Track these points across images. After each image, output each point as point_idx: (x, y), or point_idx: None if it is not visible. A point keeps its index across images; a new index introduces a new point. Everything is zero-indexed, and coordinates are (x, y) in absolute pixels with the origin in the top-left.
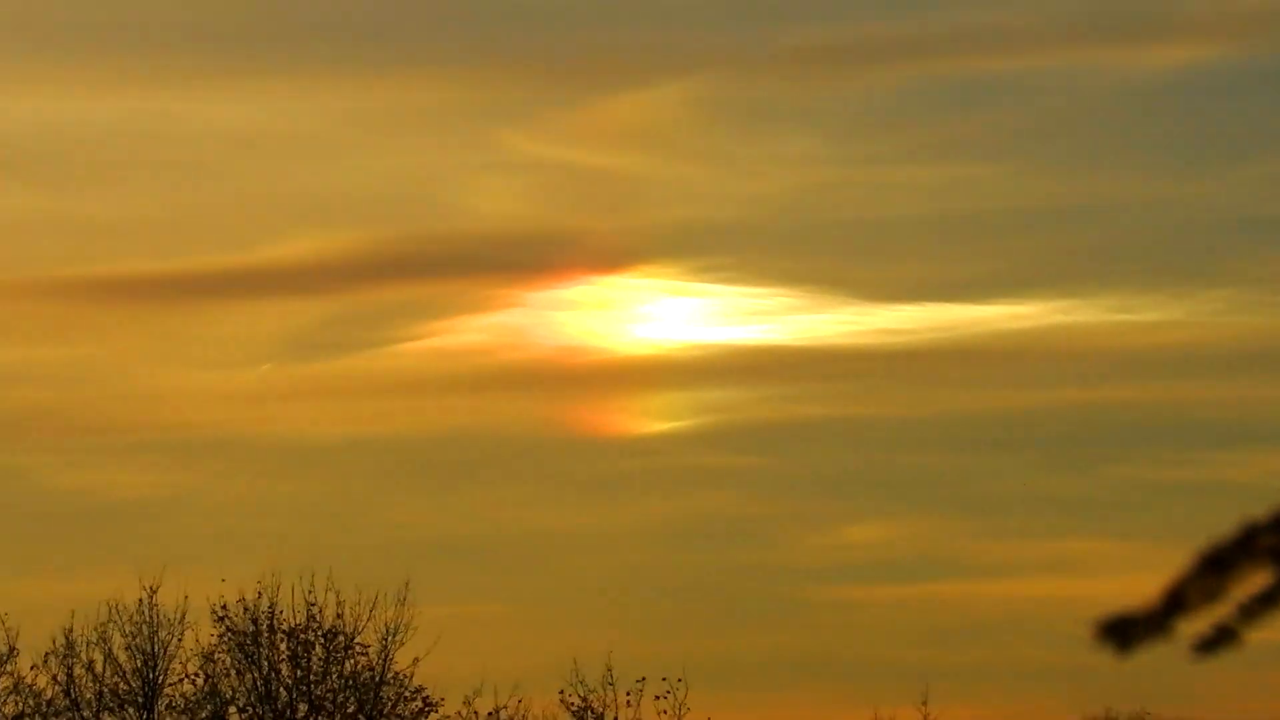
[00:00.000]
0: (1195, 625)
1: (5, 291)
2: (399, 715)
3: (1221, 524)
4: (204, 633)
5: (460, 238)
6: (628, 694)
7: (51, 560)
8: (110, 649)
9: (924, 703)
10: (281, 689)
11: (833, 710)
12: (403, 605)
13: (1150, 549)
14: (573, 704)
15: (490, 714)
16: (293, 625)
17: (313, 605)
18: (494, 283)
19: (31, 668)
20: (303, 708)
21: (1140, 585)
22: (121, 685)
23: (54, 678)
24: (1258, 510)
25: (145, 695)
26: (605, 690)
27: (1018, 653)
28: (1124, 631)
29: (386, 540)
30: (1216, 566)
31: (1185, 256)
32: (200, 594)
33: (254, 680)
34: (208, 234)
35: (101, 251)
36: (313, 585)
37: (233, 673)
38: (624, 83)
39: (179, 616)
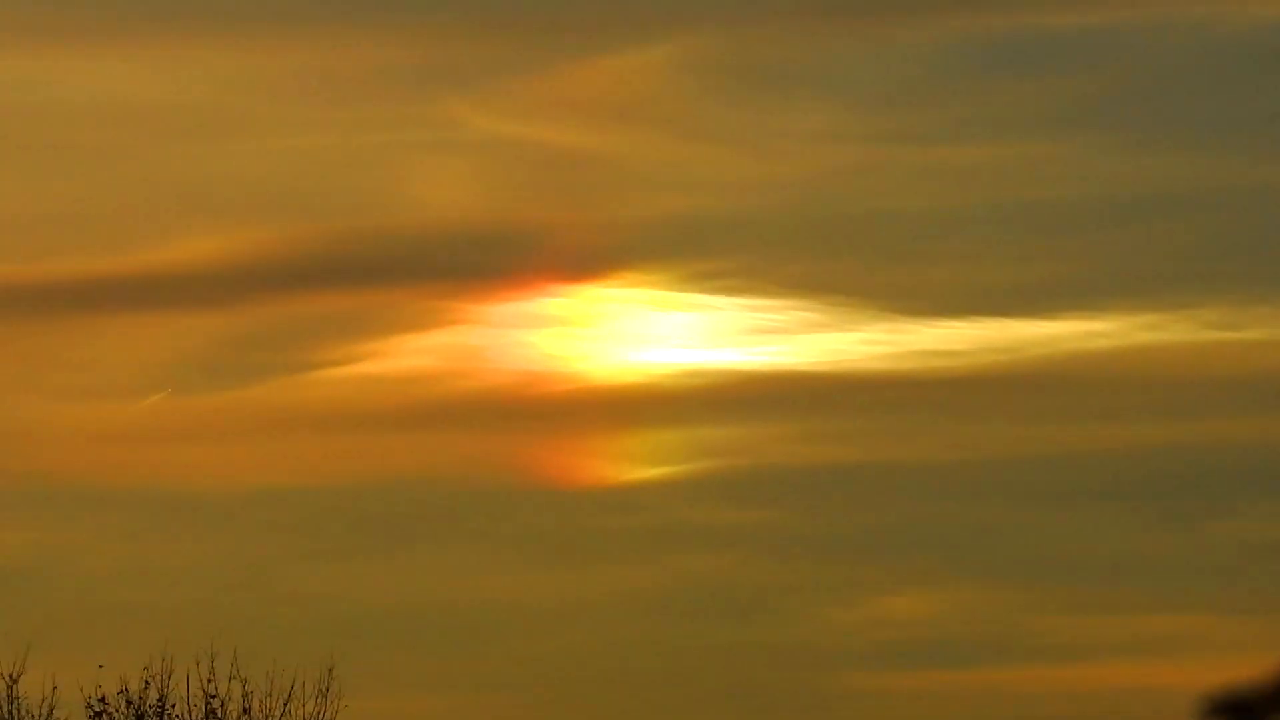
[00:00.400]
0: None
1: None
2: None
3: None
4: None
5: (397, 236)
6: None
7: None
8: None
9: None
10: None
11: None
12: (325, 698)
13: (1261, 624)
14: None
15: None
16: None
17: (213, 698)
18: (439, 293)
19: None
20: None
21: (1247, 670)
22: None
23: None
24: None
25: None
26: None
27: None
28: (1238, 715)
29: (305, 616)
30: None
31: None
32: (72, 682)
33: None
34: (78, 232)
35: None
36: (213, 672)
37: None
38: (601, 44)
39: (45, 711)
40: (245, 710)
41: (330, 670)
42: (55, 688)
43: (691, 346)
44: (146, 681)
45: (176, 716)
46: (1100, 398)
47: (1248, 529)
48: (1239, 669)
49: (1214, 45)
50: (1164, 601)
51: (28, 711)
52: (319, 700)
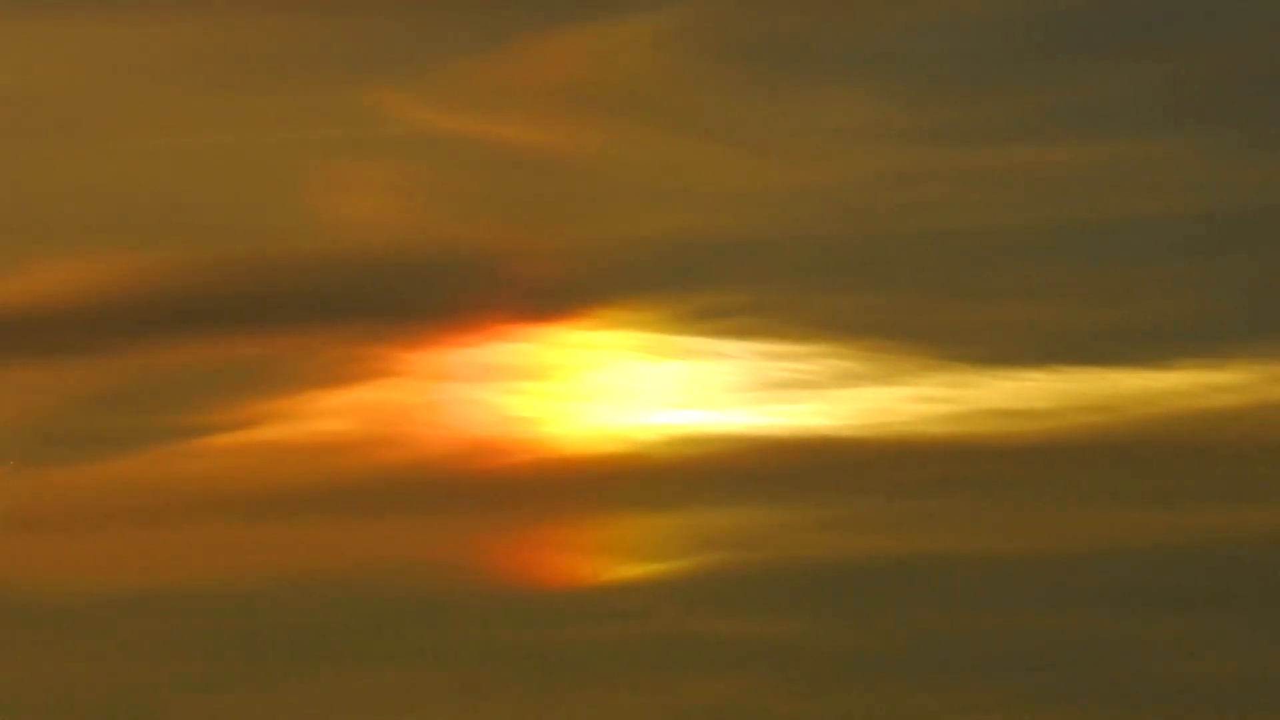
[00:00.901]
0: None
1: None
2: None
3: None
4: None
5: (307, 263)
6: None
7: None
8: None
9: None
10: None
11: None
12: None
13: None
14: None
15: None
16: None
17: None
18: (362, 337)
19: None
20: None
21: None
22: None
23: None
24: None
25: None
26: None
27: None
28: None
29: None
30: None
31: None
32: None
33: None
34: None
35: None
36: None
37: None
38: (571, 13)
39: None
40: None
41: None
42: None
43: (691, 406)
44: None
45: None
46: (1223, 471)
47: None
48: None
49: None
50: None
51: None
52: None
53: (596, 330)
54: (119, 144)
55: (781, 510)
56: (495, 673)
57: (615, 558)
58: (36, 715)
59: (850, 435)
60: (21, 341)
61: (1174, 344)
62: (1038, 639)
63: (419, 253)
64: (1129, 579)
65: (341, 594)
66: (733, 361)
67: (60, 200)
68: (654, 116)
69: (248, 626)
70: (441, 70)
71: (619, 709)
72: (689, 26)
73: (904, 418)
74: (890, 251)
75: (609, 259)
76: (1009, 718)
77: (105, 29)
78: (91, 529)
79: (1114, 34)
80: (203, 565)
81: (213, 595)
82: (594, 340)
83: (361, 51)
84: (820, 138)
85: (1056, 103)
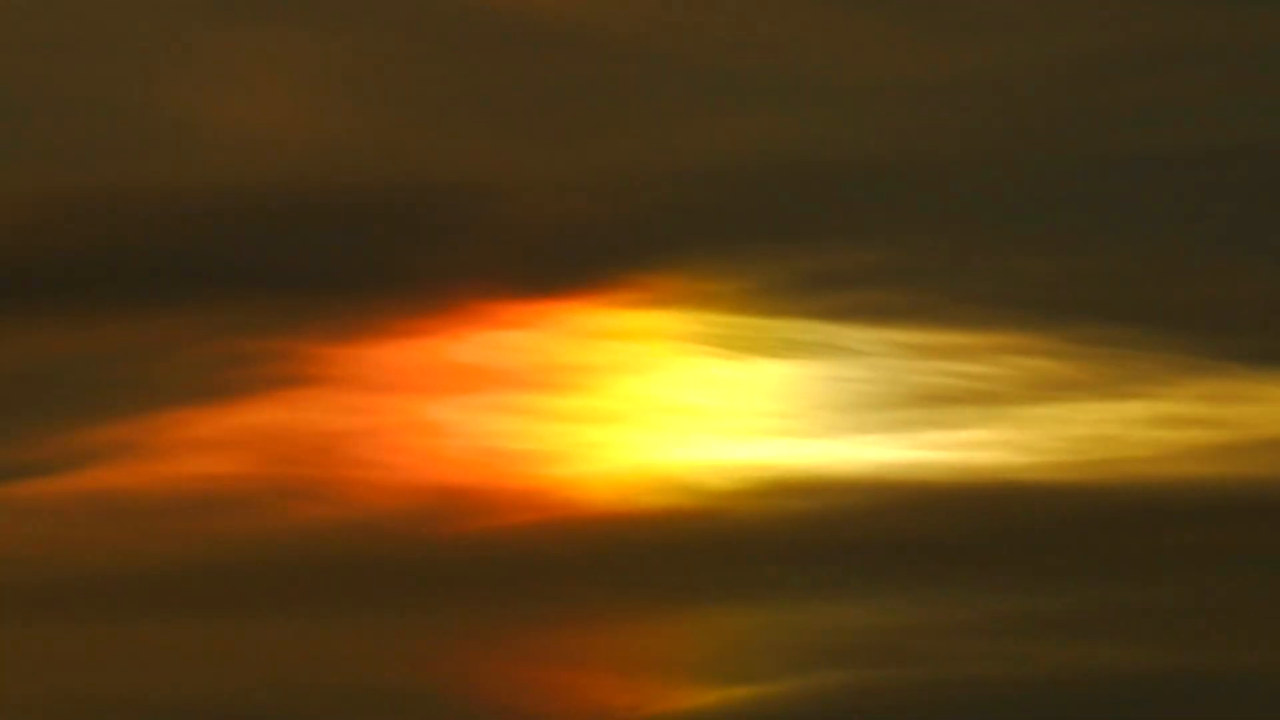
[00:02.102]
0: None
1: None
2: None
3: None
4: None
5: (175, 201)
6: None
7: None
8: None
9: None
10: None
11: None
12: None
13: None
14: None
15: None
16: None
17: None
18: (260, 321)
19: None
20: None
21: None
22: None
23: None
24: None
25: None
26: None
27: None
28: None
29: None
30: None
31: None
32: None
33: None
34: None
35: None
36: None
37: None
38: None
39: None
40: None
41: None
42: None
43: (793, 433)
44: None
45: None
46: None
47: None
48: None
49: None
50: None
51: None
52: None
53: (641, 310)
54: None
55: (940, 601)
56: None
57: (675, 677)
58: None
59: (1051, 480)
60: None
61: None
62: None
63: (360, 184)
64: None
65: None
66: (860, 361)
67: None
68: None
69: None
70: None
71: None
72: None
73: (1138, 450)
74: (1108, 182)
75: (660, 195)
76: None
77: None
78: None
79: None
80: (62, 658)
81: None
82: (637, 326)
83: None
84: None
85: None
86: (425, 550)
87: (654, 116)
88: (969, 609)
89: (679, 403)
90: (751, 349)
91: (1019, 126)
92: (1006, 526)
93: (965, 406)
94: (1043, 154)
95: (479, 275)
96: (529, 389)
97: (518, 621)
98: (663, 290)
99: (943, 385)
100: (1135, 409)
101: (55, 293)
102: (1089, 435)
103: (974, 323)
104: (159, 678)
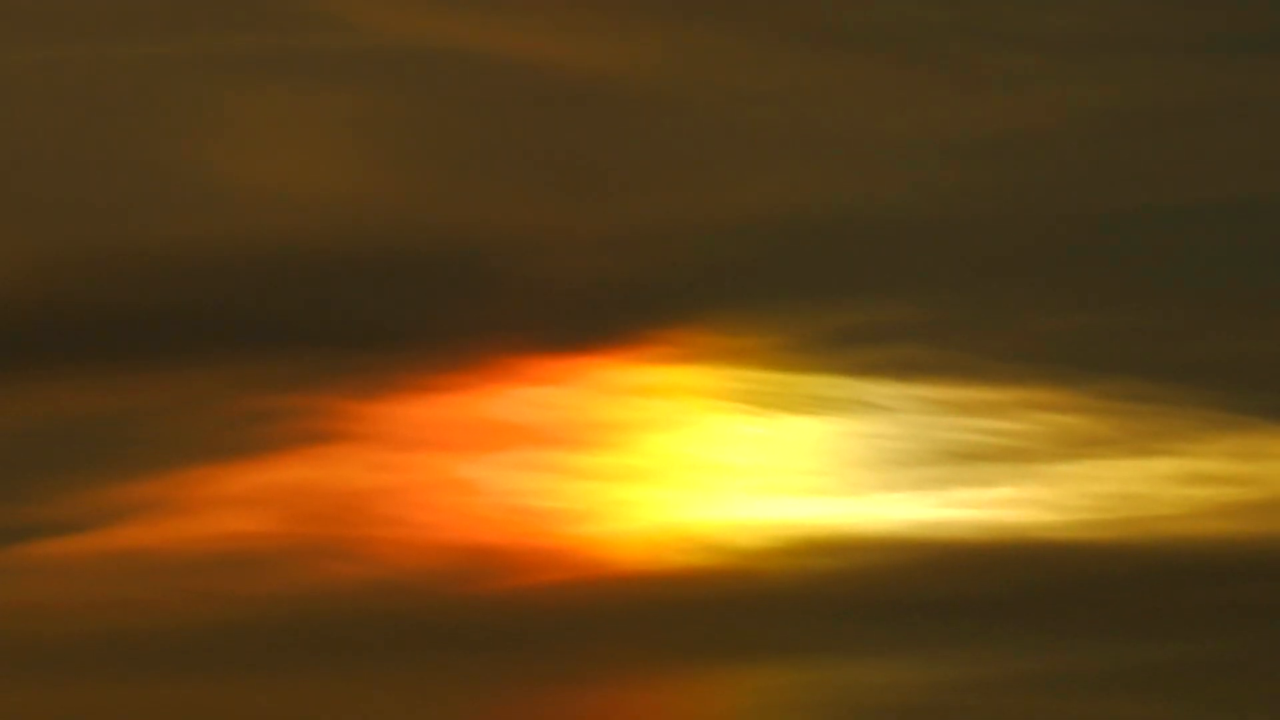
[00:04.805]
0: None
1: None
2: None
3: None
4: None
5: (197, 257)
6: None
7: None
8: None
9: None
10: None
11: None
12: None
13: None
14: None
15: None
16: None
17: None
18: (284, 377)
19: None
20: None
21: None
22: None
23: None
24: None
25: None
26: None
27: None
28: None
29: None
30: None
31: None
32: None
33: None
34: None
35: None
36: None
37: None
38: None
39: None
40: None
41: None
42: None
43: (824, 491)
44: None
45: None
46: None
47: None
48: None
49: None
50: None
51: None
52: None
53: (671, 367)
54: None
55: (968, 659)
56: None
57: None
58: None
59: (1079, 538)
60: None
61: None
62: None
63: (390, 241)
64: None
65: None
66: (888, 417)
67: None
68: (756, 18)
69: None
70: None
71: None
72: None
73: (1165, 508)
74: (1141, 237)
75: (689, 250)
76: None
77: None
78: None
79: None
80: None
81: None
82: (667, 383)
83: None
84: (1027, 52)
85: None
86: (454, 609)
87: (683, 172)
88: (998, 667)
89: (709, 460)
90: (781, 405)
91: (1047, 182)
92: (1035, 584)
93: (994, 463)
94: (1070, 210)
95: (509, 331)
96: (559, 446)
97: (547, 679)
98: (692, 346)
99: (971, 442)
100: (1163, 466)
101: (83, 349)
102: (1117, 493)
103: (1002, 379)
104: None
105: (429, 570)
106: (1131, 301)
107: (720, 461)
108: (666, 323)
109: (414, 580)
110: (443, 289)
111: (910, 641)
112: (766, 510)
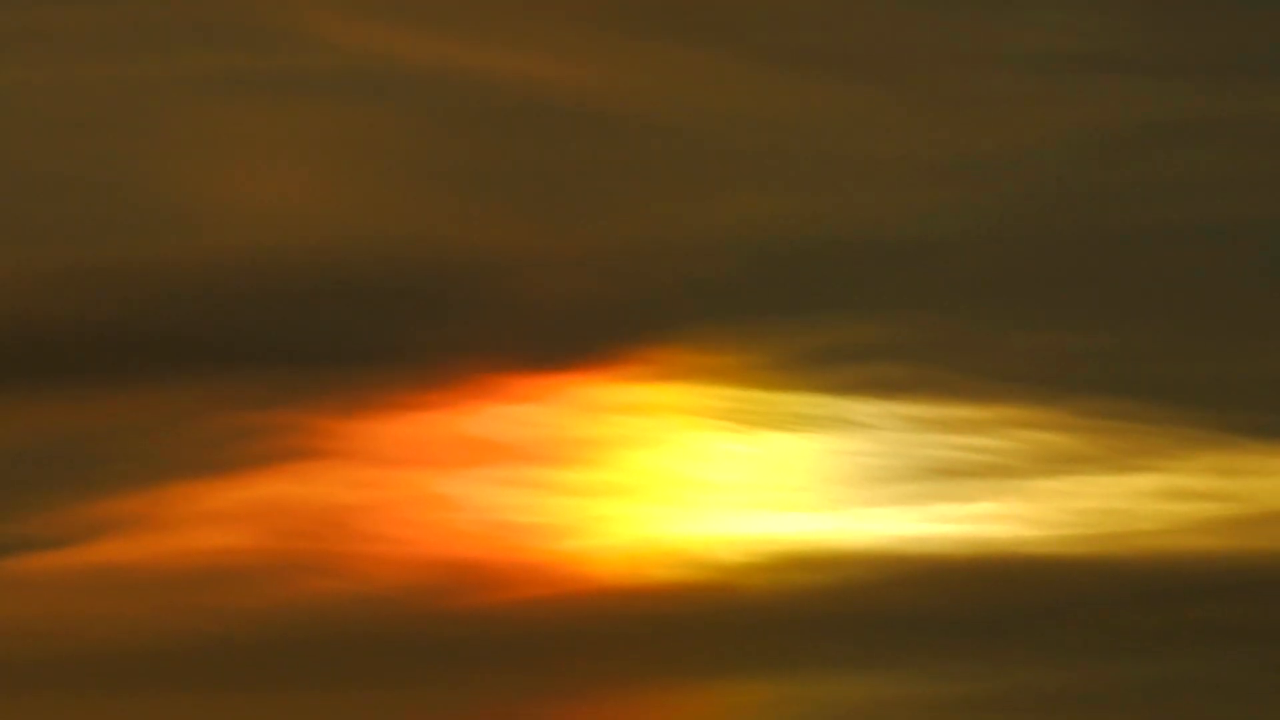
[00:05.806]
0: None
1: None
2: None
3: None
4: None
5: (183, 277)
6: None
7: None
8: None
9: None
10: None
11: None
12: None
13: None
14: None
15: None
16: None
17: None
18: (266, 394)
19: None
20: None
21: None
22: None
23: None
24: None
25: None
26: None
27: None
28: None
29: None
30: None
31: None
32: None
33: None
34: None
35: None
36: None
37: None
38: None
39: None
40: None
41: None
42: None
43: (805, 507)
44: None
45: None
46: None
47: None
48: None
49: None
50: None
51: None
52: None
53: (650, 385)
54: None
55: (949, 675)
56: None
57: None
58: None
59: (1060, 554)
60: None
61: None
62: None
63: (369, 259)
64: None
65: None
66: (868, 435)
67: None
68: (736, 40)
69: None
70: None
71: None
72: None
73: (1146, 524)
74: (1122, 257)
75: (668, 270)
76: None
77: None
78: None
79: None
80: None
81: None
82: (646, 401)
83: None
84: (1007, 73)
85: None
86: (435, 624)
87: (662, 192)
88: (979, 683)
89: (688, 477)
90: (760, 423)
91: (1026, 204)
92: (1016, 601)
93: (974, 480)
94: (1050, 231)
95: (488, 349)
96: (538, 463)
97: (528, 694)
98: (671, 365)
99: (951, 459)
100: (1144, 482)
101: (64, 367)
102: (1098, 509)
103: (982, 397)
104: None
105: (410, 585)
106: (1112, 321)
107: (701, 478)
108: (648, 340)
109: (395, 595)
110: (423, 306)
111: (891, 657)
112: (748, 526)
